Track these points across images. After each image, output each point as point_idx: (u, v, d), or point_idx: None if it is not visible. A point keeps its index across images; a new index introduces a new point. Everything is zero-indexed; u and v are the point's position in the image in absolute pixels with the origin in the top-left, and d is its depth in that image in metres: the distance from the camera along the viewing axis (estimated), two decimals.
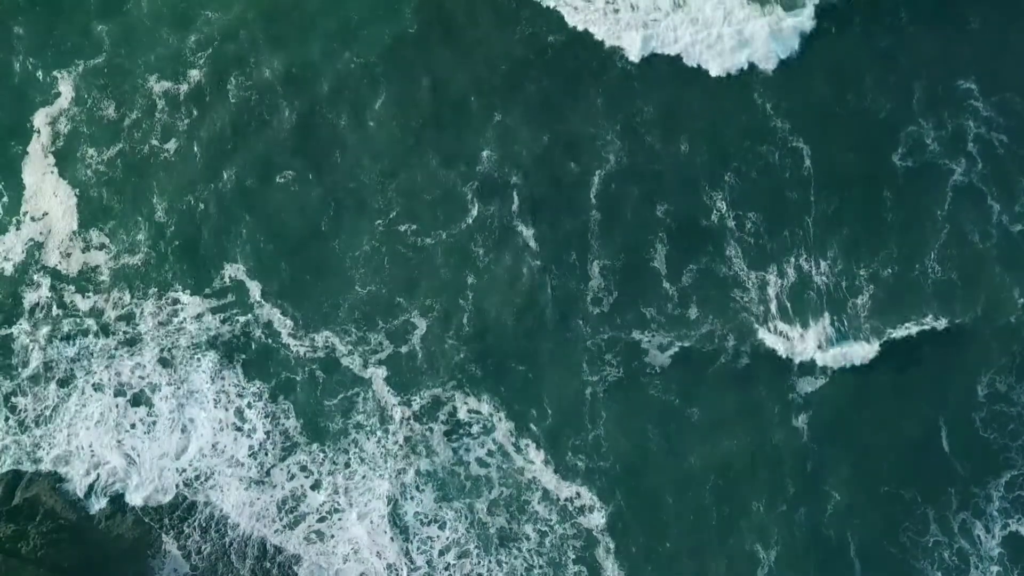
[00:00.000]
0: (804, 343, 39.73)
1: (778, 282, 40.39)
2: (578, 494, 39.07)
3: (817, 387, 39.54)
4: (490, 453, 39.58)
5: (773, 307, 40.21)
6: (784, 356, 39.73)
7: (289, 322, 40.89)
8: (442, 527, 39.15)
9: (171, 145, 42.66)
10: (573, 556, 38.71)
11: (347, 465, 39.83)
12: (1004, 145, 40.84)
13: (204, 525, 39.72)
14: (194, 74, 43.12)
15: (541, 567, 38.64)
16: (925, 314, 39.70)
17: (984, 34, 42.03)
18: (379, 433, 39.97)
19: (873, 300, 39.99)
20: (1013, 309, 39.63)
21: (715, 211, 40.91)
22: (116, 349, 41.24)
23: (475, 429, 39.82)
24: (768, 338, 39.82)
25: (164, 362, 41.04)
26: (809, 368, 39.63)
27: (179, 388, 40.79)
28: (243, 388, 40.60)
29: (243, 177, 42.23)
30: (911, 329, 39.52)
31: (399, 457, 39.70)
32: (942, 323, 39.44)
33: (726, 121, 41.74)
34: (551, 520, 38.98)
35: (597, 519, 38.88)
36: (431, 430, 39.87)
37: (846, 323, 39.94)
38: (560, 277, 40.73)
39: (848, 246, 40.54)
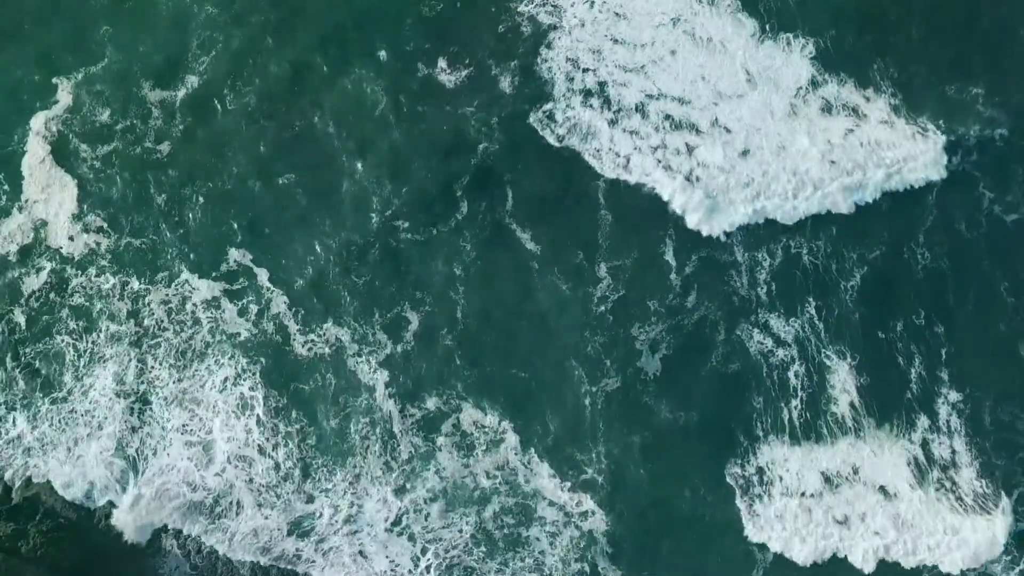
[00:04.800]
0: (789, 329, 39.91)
1: (769, 263, 40.48)
2: (580, 502, 39.10)
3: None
4: (497, 466, 39.61)
5: (763, 292, 40.22)
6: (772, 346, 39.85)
7: (295, 313, 40.92)
8: (449, 531, 39.19)
9: (164, 147, 42.63)
10: (576, 555, 38.76)
11: (356, 479, 39.75)
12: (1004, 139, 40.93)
13: (193, 527, 39.66)
14: (192, 78, 43.14)
15: (546, 570, 38.77)
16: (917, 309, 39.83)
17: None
18: (386, 446, 39.93)
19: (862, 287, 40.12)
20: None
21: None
22: (123, 342, 41.16)
23: (480, 441, 39.77)
24: (756, 332, 39.92)
25: (174, 356, 41.04)
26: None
27: (186, 387, 40.81)
28: (248, 393, 40.51)
29: (244, 174, 42.33)
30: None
31: (405, 468, 39.69)
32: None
33: None
34: (557, 522, 39.01)
35: (598, 523, 38.86)
36: (436, 442, 39.87)
37: (835, 309, 39.95)
38: (562, 275, 40.80)
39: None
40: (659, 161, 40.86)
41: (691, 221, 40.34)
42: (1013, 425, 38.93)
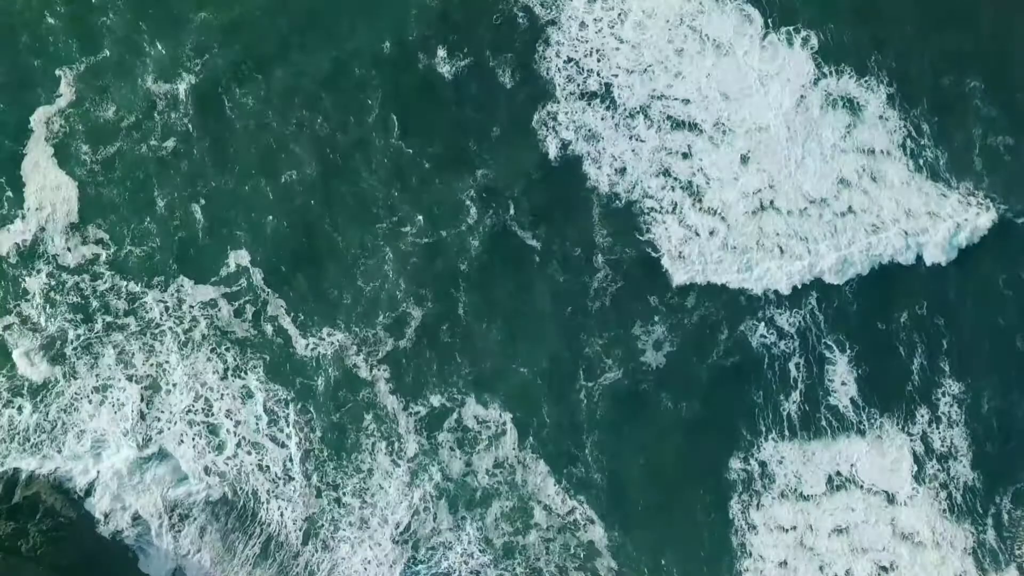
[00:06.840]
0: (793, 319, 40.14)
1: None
2: (579, 501, 39.22)
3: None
4: (497, 463, 39.64)
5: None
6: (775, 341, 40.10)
7: (294, 317, 40.97)
8: (451, 535, 39.24)
9: (170, 144, 42.59)
10: (575, 563, 38.80)
11: (369, 473, 39.79)
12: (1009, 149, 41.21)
13: (204, 524, 39.64)
14: (191, 76, 43.15)
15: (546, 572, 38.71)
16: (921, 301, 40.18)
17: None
18: (392, 445, 39.98)
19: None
20: None
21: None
22: (124, 333, 41.11)
23: (482, 436, 39.81)
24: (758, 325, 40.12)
25: (178, 346, 41.00)
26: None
27: (191, 373, 40.76)
28: (253, 385, 40.56)
29: (245, 176, 42.37)
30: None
31: (409, 469, 39.68)
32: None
33: None
34: (553, 527, 39.02)
35: (597, 530, 38.96)
36: (438, 439, 39.93)
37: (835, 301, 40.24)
38: (561, 269, 41.00)
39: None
40: (661, 164, 41.02)
41: (677, 279, 40.47)
42: (1011, 414, 39.27)
